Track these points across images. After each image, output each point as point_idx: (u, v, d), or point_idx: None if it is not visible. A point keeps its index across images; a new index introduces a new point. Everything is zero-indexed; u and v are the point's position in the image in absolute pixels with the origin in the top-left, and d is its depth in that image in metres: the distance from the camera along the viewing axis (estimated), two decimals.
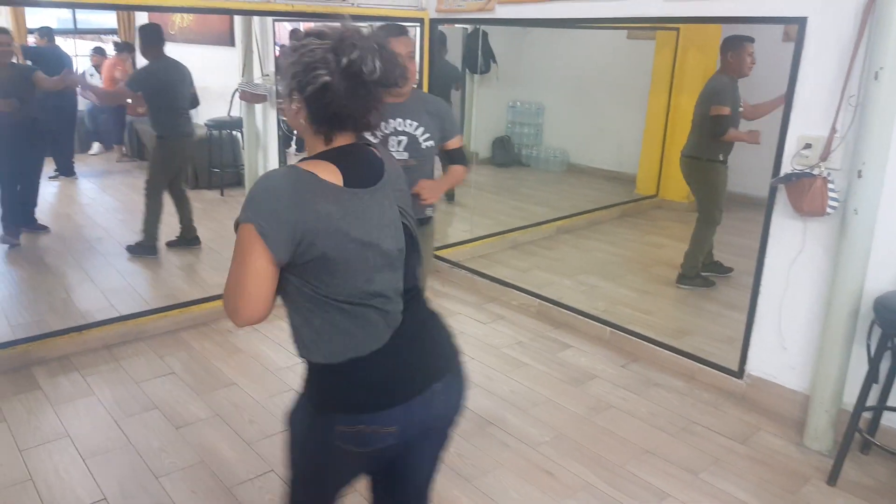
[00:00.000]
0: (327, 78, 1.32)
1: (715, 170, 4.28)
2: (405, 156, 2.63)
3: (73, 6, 3.77)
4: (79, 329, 3.55)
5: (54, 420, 2.94)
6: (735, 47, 4.09)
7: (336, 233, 1.35)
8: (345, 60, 1.33)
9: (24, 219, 5.09)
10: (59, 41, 7.13)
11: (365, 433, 1.40)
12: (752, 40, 4.09)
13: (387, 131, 2.63)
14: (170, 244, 4.99)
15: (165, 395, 3.16)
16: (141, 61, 4.96)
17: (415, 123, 2.63)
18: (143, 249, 4.79)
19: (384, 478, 1.65)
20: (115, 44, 8.05)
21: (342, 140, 1.44)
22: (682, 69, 6.05)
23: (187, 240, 5.03)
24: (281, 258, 1.33)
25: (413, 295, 1.51)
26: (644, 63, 6.27)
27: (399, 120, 2.62)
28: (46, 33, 6.83)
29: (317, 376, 1.46)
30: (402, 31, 2.64)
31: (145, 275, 4.55)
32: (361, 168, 1.45)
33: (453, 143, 2.78)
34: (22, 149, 4.92)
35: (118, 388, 3.21)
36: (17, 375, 3.29)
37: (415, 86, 2.77)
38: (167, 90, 4.63)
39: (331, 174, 1.38)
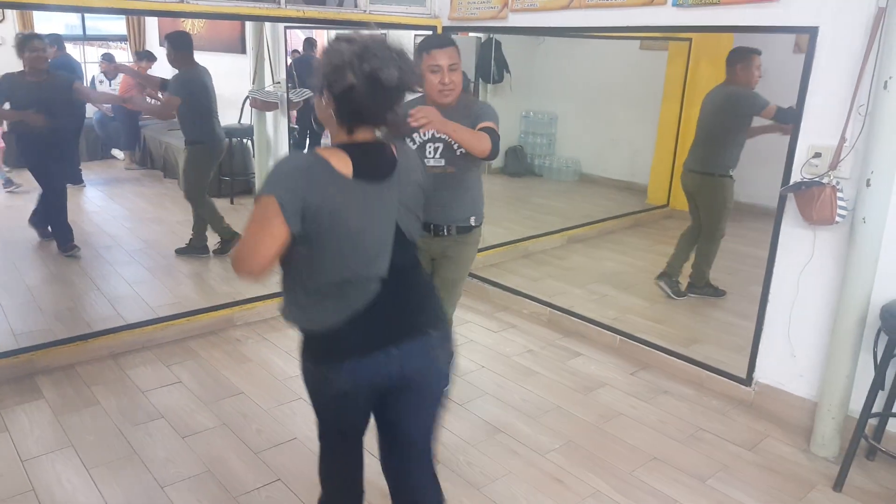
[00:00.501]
0: (353, 80, 1.54)
1: (725, 185, 4.23)
2: (442, 162, 2.65)
3: (82, 10, 3.74)
4: (84, 338, 3.55)
5: (57, 429, 2.94)
6: (744, 59, 4.06)
7: (335, 215, 1.58)
8: (367, 67, 1.53)
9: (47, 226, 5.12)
10: (68, 48, 7.17)
11: (329, 377, 1.70)
12: (759, 52, 4.07)
13: (424, 138, 2.65)
14: (179, 251, 5.02)
15: (172, 405, 3.15)
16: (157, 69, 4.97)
17: None
18: (229, 245, 4.95)
19: (380, 433, 1.93)
20: (137, 53, 8.10)
21: (362, 135, 1.65)
22: (693, 80, 6.02)
23: (197, 248, 5.06)
24: (294, 227, 1.56)
25: (396, 275, 1.70)
26: (656, 74, 6.25)
27: None
28: (56, 41, 6.86)
29: (303, 337, 1.75)
30: (446, 43, 2.62)
31: (152, 283, 4.56)
32: (372, 163, 1.66)
33: (482, 125, 2.59)
34: (65, 160, 4.94)
35: (123, 398, 3.21)
36: (21, 384, 3.28)
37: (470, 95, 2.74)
38: (205, 95, 4.74)
39: (343, 164, 1.60)
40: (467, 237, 2.81)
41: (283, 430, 2.98)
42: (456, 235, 2.79)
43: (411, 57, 1.63)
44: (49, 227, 5.10)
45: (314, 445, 2.83)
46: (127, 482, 2.61)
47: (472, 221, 2.79)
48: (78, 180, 6.93)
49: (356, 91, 1.54)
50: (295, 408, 3.14)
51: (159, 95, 5.15)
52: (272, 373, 3.47)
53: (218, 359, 3.61)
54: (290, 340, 3.82)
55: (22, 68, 4.49)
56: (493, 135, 2.59)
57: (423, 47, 2.62)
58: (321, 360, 1.72)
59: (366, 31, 1.61)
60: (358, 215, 1.62)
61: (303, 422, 3.04)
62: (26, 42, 4.48)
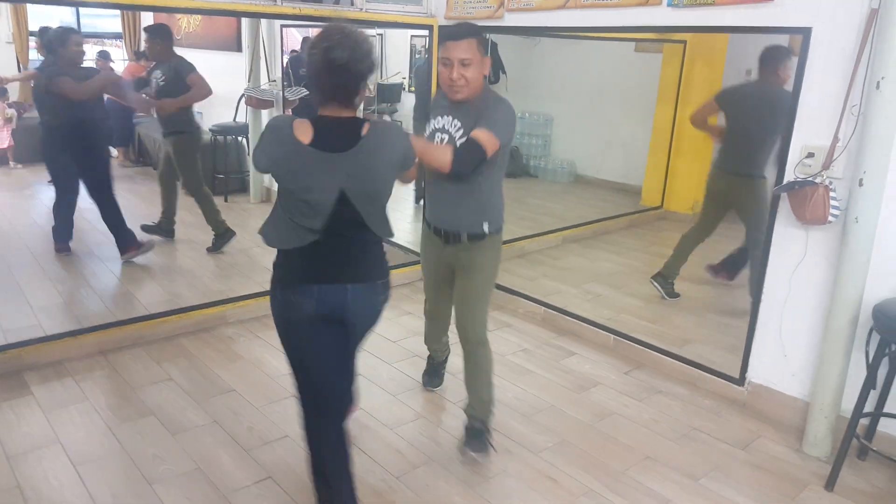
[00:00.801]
0: (316, 58, 1.87)
1: (765, 187, 3.87)
2: None
3: (77, 5, 3.65)
4: (73, 334, 3.52)
5: (45, 426, 2.91)
6: (784, 58, 3.79)
7: (288, 170, 1.94)
8: (324, 45, 1.86)
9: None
10: None
11: (273, 296, 2.12)
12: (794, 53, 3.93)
13: (435, 126, 2.65)
14: (145, 228, 5.09)
15: (162, 402, 3.13)
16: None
17: (458, 123, 2.59)
18: (221, 240, 5.06)
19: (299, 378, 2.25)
20: (136, 52, 8.08)
21: (329, 110, 1.96)
22: (688, 82, 6.05)
23: (164, 230, 5.16)
24: (258, 166, 2.00)
25: (330, 232, 1.97)
26: (651, 76, 6.28)
27: (448, 118, 2.61)
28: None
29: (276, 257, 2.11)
30: (461, 34, 2.47)
31: (144, 280, 4.54)
32: (331, 135, 1.93)
33: (474, 132, 2.47)
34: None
35: (113, 394, 3.18)
36: (8, 381, 3.25)
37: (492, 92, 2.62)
38: (186, 86, 4.78)
39: (304, 132, 1.92)
40: (481, 244, 2.70)
41: (274, 428, 2.96)
42: (468, 243, 2.71)
43: (371, 49, 1.92)
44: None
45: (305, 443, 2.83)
46: (115, 479, 2.59)
47: (486, 228, 2.67)
48: None
49: (313, 66, 1.88)
50: (287, 405, 3.12)
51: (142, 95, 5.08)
52: (264, 370, 3.46)
53: (209, 356, 3.59)
54: None
55: (54, 64, 4.39)
56: (468, 149, 2.43)
57: (440, 37, 2.57)
58: (273, 282, 2.10)
59: (346, 24, 1.92)
60: (305, 176, 1.92)
61: (295, 419, 3.01)
62: (67, 35, 4.39)
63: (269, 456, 2.77)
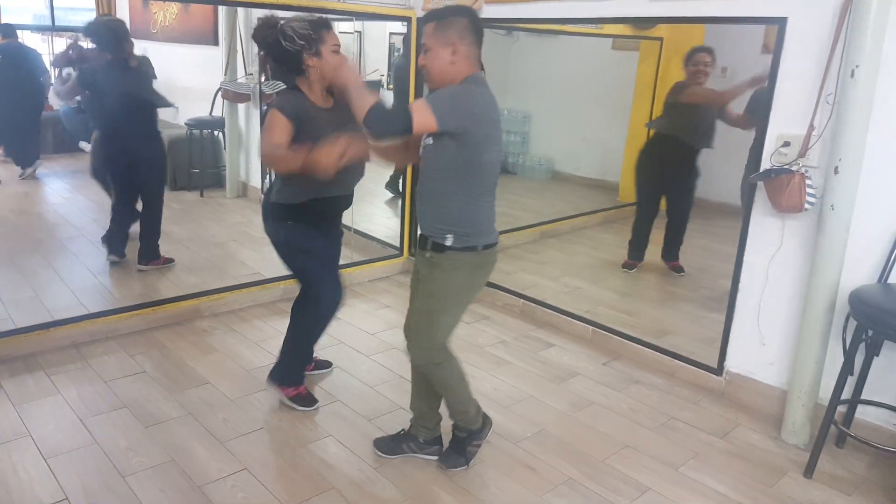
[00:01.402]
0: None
1: None
2: (428, 140, 2.35)
3: None
4: (45, 326, 3.45)
5: (15, 419, 2.84)
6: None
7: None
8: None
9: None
10: (37, 39, 7.01)
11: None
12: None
13: None
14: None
15: (135, 394, 3.07)
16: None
17: None
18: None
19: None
20: None
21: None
22: (664, 79, 6.07)
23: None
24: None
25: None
26: (628, 73, 6.31)
27: None
28: (6, 30, 6.66)
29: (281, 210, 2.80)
30: (425, 19, 2.32)
31: (118, 274, 4.46)
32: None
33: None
34: None
35: (85, 387, 3.11)
36: None
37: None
38: None
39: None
40: (440, 259, 2.37)
41: (249, 420, 2.91)
42: (430, 252, 2.40)
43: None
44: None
45: (282, 434, 2.81)
46: (86, 471, 2.53)
47: (448, 241, 2.34)
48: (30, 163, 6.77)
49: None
50: (262, 398, 3.08)
51: None
52: (239, 363, 3.40)
53: (184, 349, 3.53)
54: (257, 332, 3.75)
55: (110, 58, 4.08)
56: (390, 111, 2.22)
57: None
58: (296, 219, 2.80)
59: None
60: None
61: (270, 411, 2.99)
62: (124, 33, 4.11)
63: (245, 447, 2.72)
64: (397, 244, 4.88)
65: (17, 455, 2.60)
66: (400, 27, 4.71)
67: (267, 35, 2.65)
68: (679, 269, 4.72)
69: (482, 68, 2.45)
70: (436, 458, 2.69)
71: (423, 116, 2.16)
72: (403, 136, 2.27)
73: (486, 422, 2.68)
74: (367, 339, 3.74)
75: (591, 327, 3.85)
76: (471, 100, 2.26)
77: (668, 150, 4.65)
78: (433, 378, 2.56)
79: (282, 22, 2.65)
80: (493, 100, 2.35)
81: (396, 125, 2.19)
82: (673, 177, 4.70)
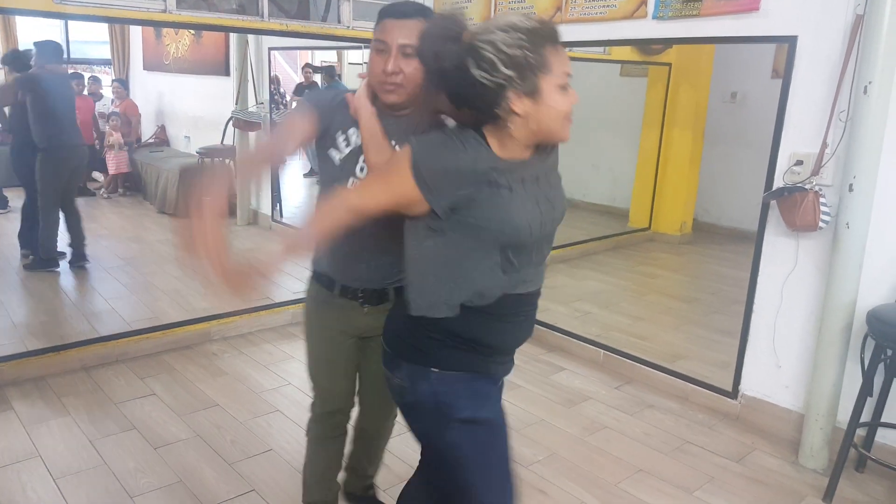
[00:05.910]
0: None
1: None
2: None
3: (65, 17, 3.58)
4: (56, 349, 3.45)
5: (25, 440, 2.83)
6: None
7: None
8: None
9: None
10: None
11: None
12: None
13: (339, 145, 1.84)
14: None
15: (144, 416, 3.05)
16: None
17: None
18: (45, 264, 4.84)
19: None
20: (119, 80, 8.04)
21: None
22: (673, 105, 6.12)
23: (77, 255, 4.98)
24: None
25: None
26: (637, 99, 6.36)
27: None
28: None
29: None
30: (410, 13, 1.66)
31: (128, 298, 4.46)
32: None
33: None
34: None
35: (95, 409, 3.10)
36: None
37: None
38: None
39: None
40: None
41: (258, 442, 2.88)
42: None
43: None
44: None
45: (290, 457, 2.77)
46: (94, 492, 2.50)
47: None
48: None
49: None
50: (271, 420, 3.05)
51: None
52: (248, 386, 3.38)
53: (193, 372, 3.51)
54: (266, 355, 3.73)
55: None
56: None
57: (379, 14, 1.70)
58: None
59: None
60: None
61: (279, 433, 2.95)
62: None
63: (253, 469, 2.69)
64: None
65: (26, 475, 2.58)
66: None
67: (445, 53, 1.43)
68: None
69: None
70: None
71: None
72: None
73: None
74: None
75: (602, 351, 3.81)
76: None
77: None
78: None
79: (474, 30, 1.44)
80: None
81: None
82: None
